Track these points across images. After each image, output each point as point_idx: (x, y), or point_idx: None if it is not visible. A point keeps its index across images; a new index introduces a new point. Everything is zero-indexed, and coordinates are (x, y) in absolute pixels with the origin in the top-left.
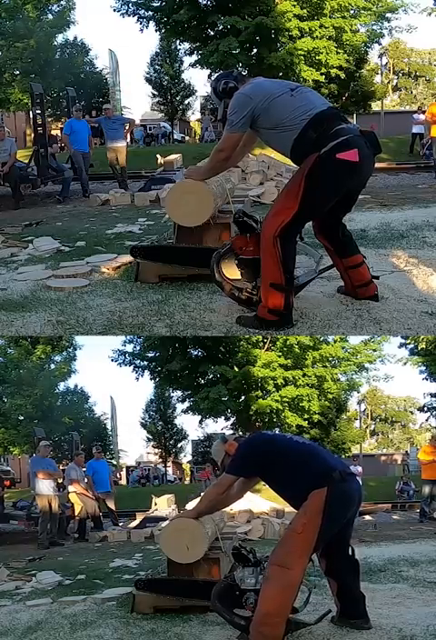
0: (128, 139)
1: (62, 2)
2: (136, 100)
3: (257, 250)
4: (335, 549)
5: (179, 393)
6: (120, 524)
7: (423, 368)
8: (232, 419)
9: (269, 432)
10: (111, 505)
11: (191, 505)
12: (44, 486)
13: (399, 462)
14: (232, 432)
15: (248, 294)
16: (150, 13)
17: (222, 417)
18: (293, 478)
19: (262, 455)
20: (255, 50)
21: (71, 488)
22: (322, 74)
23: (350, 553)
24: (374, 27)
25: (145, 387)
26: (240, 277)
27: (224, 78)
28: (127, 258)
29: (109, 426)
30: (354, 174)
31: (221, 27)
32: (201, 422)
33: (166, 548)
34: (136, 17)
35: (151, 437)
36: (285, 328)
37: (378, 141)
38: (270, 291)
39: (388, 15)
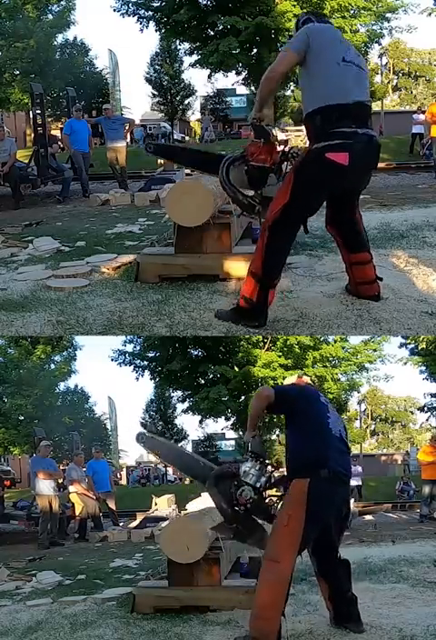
0: (128, 139)
1: (62, 2)
2: (136, 100)
3: (267, 158)
4: (324, 551)
5: (179, 393)
6: (120, 524)
7: (423, 368)
8: (233, 419)
9: (313, 389)
10: (111, 505)
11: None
12: (45, 486)
13: (399, 462)
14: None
15: (251, 200)
16: (150, 13)
17: (223, 417)
18: (293, 449)
19: (293, 397)
20: (255, 50)
21: (72, 488)
22: None
23: (339, 556)
24: (374, 27)
25: (145, 387)
26: (246, 184)
27: (306, 15)
28: (127, 258)
29: (109, 427)
30: (340, 176)
31: (221, 27)
32: (201, 422)
33: (166, 548)
34: (136, 17)
35: None
36: (255, 324)
37: (378, 153)
38: (247, 278)
39: (388, 15)
